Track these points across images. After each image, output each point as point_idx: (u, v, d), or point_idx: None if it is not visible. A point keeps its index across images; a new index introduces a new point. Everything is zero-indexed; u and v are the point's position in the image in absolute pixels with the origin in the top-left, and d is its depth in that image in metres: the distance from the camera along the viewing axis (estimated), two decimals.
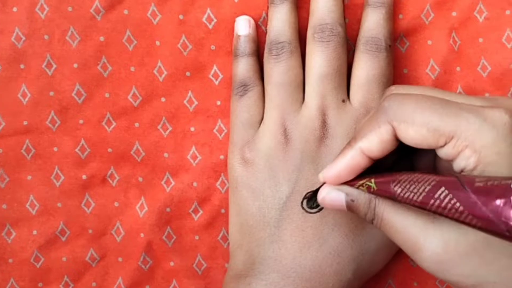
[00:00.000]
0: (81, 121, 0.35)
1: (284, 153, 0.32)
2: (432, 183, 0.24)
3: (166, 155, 0.35)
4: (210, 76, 0.35)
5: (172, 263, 0.35)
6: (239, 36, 0.34)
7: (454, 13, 0.35)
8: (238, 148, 0.34)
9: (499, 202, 0.22)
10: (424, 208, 0.24)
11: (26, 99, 0.34)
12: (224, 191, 0.35)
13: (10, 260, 0.35)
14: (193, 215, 0.35)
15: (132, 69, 0.35)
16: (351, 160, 0.27)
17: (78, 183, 0.35)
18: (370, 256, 0.32)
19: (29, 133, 0.34)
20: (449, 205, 0.23)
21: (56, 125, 0.35)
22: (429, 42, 0.35)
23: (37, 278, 0.35)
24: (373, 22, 0.33)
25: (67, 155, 0.35)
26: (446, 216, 0.24)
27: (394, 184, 0.26)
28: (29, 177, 0.35)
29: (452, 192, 0.23)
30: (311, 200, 0.31)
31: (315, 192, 0.31)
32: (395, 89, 0.29)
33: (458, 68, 0.35)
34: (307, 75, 0.33)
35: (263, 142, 0.33)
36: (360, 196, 0.28)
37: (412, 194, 0.25)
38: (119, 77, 0.35)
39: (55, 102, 0.34)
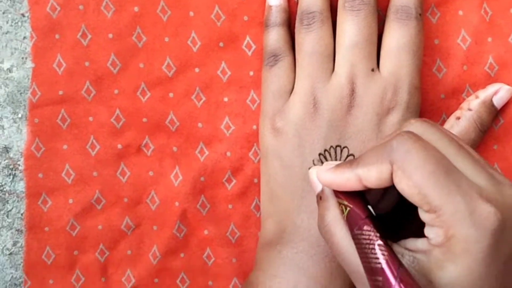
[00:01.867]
0: (116, 91, 0.35)
1: (312, 122, 0.33)
2: (378, 264, 0.25)
3: (200, 125, 0.36)
4: (243, 47, 0.35)
5: (206, 232, 0.36)
6: (270, 6, 0.34)
7: None
8: (268, 118, 0.34)
9: None
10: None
11: (62, 69, 0.35)
12: (256, 160, 0.36)
13: (46, 229, 0.35)
14: (226, 184, 0.36)
15: (166, 39, 0.35)
16: (346, 181, 0.27)
17: (114, 153, 0.35)
18: None
19: (64, 102, 0.35)
20: None
21: (92, 95, 0.35)
22: (460, 13, 0.35)
23: (73, 246, 0.36)
24: None
25: (102, 124, 0.35)
26: None
27: (357, 228, 0.26)
28: (64, 147, 0.35)
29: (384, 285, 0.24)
30: None
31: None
32: (414, 122, 0.28)
33: (489, 39, 0.35)
34: (337, 44, 0.33)
35: (293, 111, 0.33)
36: (327, 202, 0.28)
37: (360, 251, 0.26)
38: (154, 47, 0.35)
39: (90, 72, 0.35)
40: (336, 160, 0.33)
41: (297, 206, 0.33)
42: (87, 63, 0.35)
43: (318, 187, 0.29)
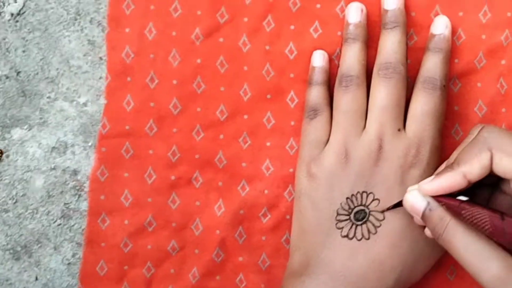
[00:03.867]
0: (174, 130, 0.38)
1: (342, 171, 0.35)
2: (486, 224, 0.29)
3: (244, 164, 0.38)
4: (287, 100, 0.38)
5: (241, 258, 0.38)
6: (314, 67, 0.37)
7: (503, 61, 0.38)
8: (305, 164, 0.36)
9: None
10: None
11: (130, 107, 0.38)
12: (290, 200, 0.38)
13: (103, 244, 0.38)
14: (262, 218, 0.38)
15: (222, 88, 0.38)
16: (453, 182, 0.30)
17: (167, 183, 0.38)
18: (409, 267, 0.35)
19: (129, 136, 0.38)
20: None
21: (153, 131, 0.38)
22: (479, 85, 0.38)
23: (124, 261, 0.38)
24: (431, 65, 0.36)
25: (160, 157, 0.38)
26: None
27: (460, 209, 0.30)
28: (125, 174, 0.38)
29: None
30: (358, 213, 0.35)
31: (363, 207, 0.35)
32: (481, 125, 0.32)
33: (503, 109, 0.38)
34: (370, 105, 0.36)
35: (327, 160, 0.35)
36: (438, 208, 0.31)
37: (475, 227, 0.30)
38: (210, 94, 0.38)
39: (154, 111, 0.38)
40: (361, 204, 0.35)
41: (322, 243, 0.35)
42: (152, 104, 0.38)
43: (423, 205, 0.31)
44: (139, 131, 0.38)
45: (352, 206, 0.35)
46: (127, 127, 0.38)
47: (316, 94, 0.37)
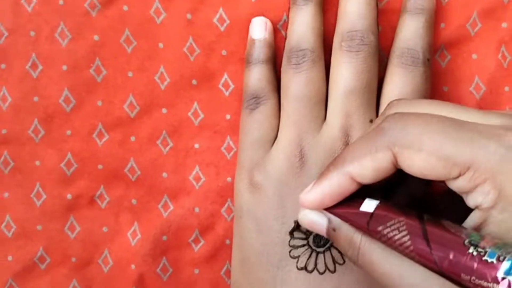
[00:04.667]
0: (68, 132, 0.34)
1: (296, 179, 0.31)
2: (407, 244, 0.24)
3: (165, 175, 0.34)
4: (220, 86, 0.34)
5: None
6: (253, 40, 0.33)
7: (504, 24, 0.33)
8: (246, 171, 0.32)
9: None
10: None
11: (6, 104, 0.33)
12: (230, 218, 0.34)
13: None
14: (193, 245, 0.34)
15: (130, 74, 0.34)
16: (337, 186, 0.26)
17: (62, 204, 0.34)
18: None
19: (8, 143, 0.34)
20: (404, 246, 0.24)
21: (40, 135, 0.34)
22: (474, 56, 0.33)
23: None
24: (410, 32, 0.32)
25: (50, 170, 0.34)
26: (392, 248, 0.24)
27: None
28: (5, 195, 0.34)
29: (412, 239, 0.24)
30: (319, 236, 0.30)
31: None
32: (397, 104, 0.27)
33: (506, 88, 0.33)
34: (330, 90, 0.32)
35: (274, 164, 0.31)
36: (342, 227, 0.26)
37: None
38: (115, 83, 0.34)
39: (40, 109, 0.34)
40: None
41: (272, 278, 0.30)
42: (36, 99, 0.33)
43: (324, 223, 0.27)
44: (20, 136, 0.34)
45: None
46: (4, 131, 0.34)
47: (257, 76, 0.33)
